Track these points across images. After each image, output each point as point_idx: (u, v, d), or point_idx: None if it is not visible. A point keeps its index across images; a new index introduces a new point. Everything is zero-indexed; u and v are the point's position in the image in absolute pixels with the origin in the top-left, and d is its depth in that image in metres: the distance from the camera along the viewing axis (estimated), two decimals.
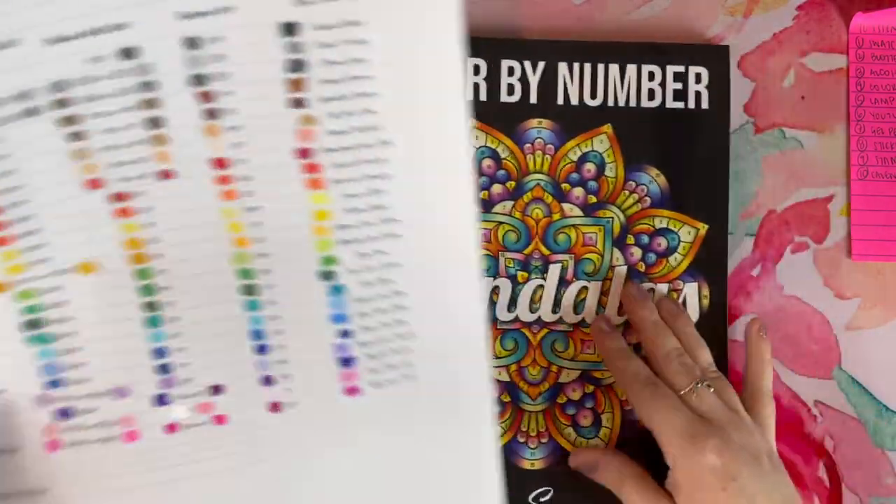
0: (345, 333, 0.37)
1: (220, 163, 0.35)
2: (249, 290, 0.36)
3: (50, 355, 0.36)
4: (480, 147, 0.52)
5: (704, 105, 0.53)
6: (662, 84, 0.53)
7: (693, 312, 0.52)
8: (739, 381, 0.50)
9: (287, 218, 0.36)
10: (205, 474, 0.37)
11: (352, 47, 0.34)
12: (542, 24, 0.55)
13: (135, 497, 0.37)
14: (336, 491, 0.38)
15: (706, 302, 0.52)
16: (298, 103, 0.34)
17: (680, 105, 0.53)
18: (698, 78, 0.53)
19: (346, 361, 0.37)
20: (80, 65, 0.33)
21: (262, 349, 0.37)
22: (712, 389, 0.47)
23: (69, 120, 0.34)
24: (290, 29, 0.33)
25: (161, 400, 0.37)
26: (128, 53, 0.33)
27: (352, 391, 0.38)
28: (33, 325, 0.35)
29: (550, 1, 0.55)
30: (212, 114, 0.34)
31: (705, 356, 0.49)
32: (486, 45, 0.53)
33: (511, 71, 0.53)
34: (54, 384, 0.36)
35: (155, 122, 0.34)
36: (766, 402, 0.49)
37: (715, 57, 0.53)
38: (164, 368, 0.36)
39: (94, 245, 0.35)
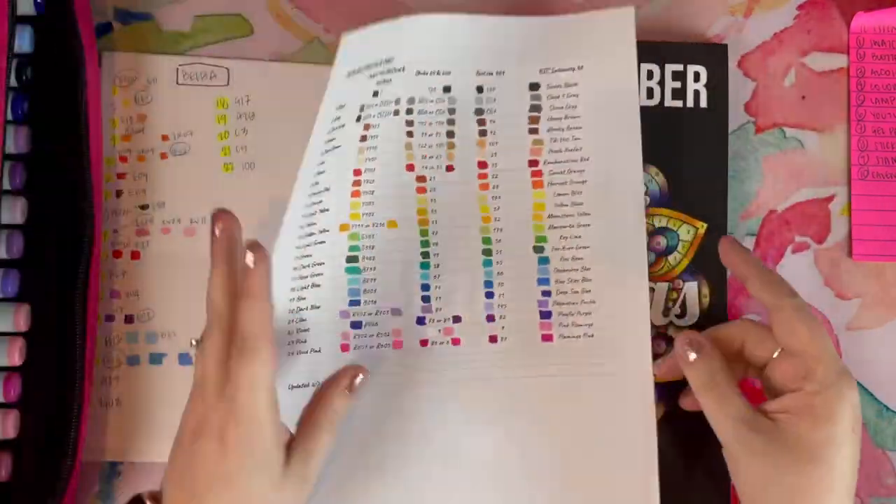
0: (546, 293, 0.51)
1: (482, 164, 0.51)
2: (487, 252, 0.51)
3: (356, 282, 0.50)
4: None
5: (703, 104, 0.53)
6: (661, 83, 0.53)
7: (693, 311, 0.52)
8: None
9: (518, 206, 0.51)
10: (439, 382, 0.50)
11: (568, 99, 0.51)
12: None
13: (387, 391, 0.49)
14: (526, 406, 0.50)
15: (706, 301, 0.52)
16: (534, 131, 0.52)
17: (679, 104, 0.53)
18: (697, 77, 0.53)
19: (545, 314, 0.51)
20: (425, 90, 0.51)
21: (489, 295, 0.51)
22: None
23: (410, 123, 0.51)
24: (534, 86, 0.52)
25: (420, 321, 0.51)
26: (446, 89, 0.51)
27: (547, 338, 0.51)
28: (352, 259, 0.50)
29: (551, 1, 0.55)
30: (482, 133, 0.51)
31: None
32: None
33: None
34: (354, 303, 0.50)
35: (450, 134, 0.51)
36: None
37: (713, 56, 0.54)
38: (425, 299, 0.51)
39: (401, 209, 0.51)
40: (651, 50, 0.53)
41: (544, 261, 0.51)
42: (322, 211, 0.50)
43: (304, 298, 0.50)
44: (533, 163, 0.51)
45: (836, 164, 0.55)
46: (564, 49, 0.51)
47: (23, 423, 0.49)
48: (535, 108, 0.51)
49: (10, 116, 0.49)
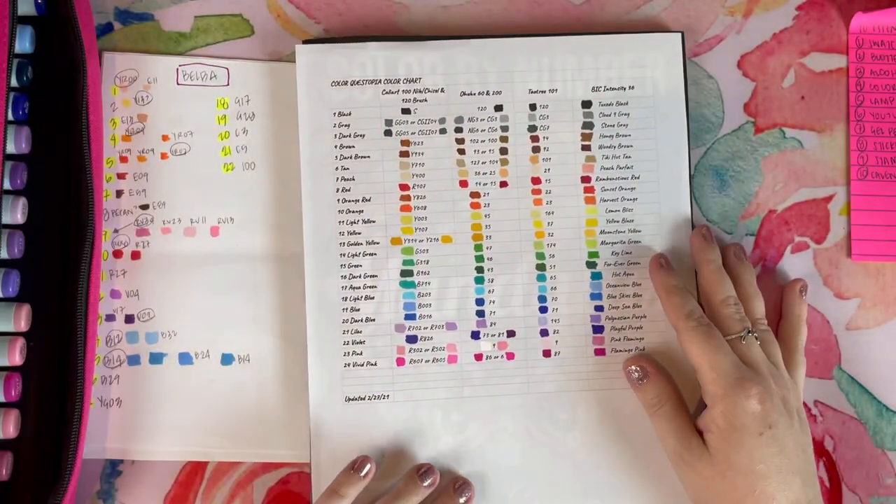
0: (598, 308, 0.53)
1: (536, 180, 0.53)
2: (541, 267, 0.53)
3: (411, 296, 0.52)
4: None
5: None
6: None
7: None
8: None
9: (571, 221, 0.53)
10: (494, 394, 0.52)
11: (620, 118, 0.53)
12: (543, 24, 0.55)
13: (440, 404, 0.51)
14: (577, 421, 0.52)
15: None
16: (586, 148, 0.53)
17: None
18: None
19: (598, 329, 0.52)
20: (474, 109, 0.53)
21: (543, 310, 0.52)
22: (759, 342, 0.49)
23: (460, 140, 0.53)
24: (587, 104, 0.53)
25: (475, 335, 0.52)
26: (498, 108, 0.53)
27: (599, 352, 0.52)
28: (406, 272, 0.52)
29: (550, 1, 0.55)
30: (536, 149, 0.53)
31: (759, 308, 0.51)
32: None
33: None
34: (409, 317, 0.52)
35: (504, 151, 0.53)
36: (799, 360, 0.51)
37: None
38: (480, 313, 0.52)
39: (455, 224, 0.53)
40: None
41: (597, 276, 0.53)
42: (366, 222, 0.52)
43: (357, 310, 0.52)
44: (585, 179, 0.53)
45: (836, 164, 0.55)
46: (615, 68, 0.53)
47: (23, 423, 0.49)
48: (588, 125, 0.53)
49: (10, 116, 0.49)
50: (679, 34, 0.53)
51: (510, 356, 0.52)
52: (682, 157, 0.53)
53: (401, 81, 0.53)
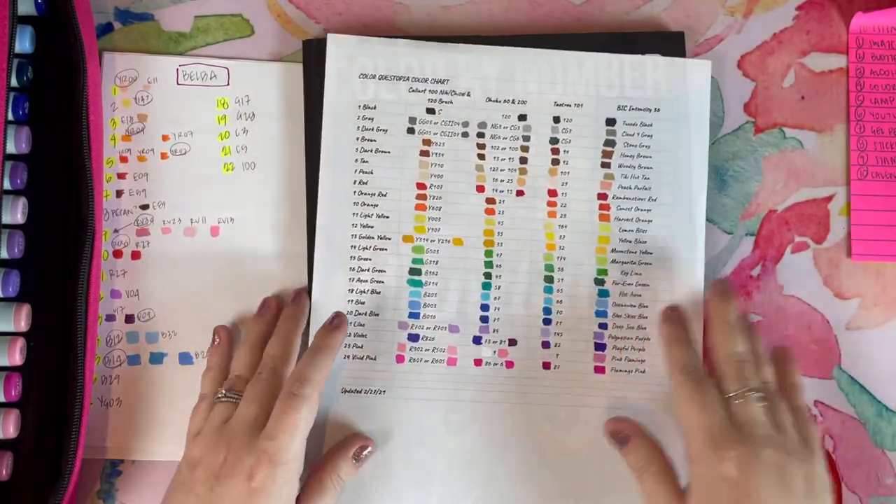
0: (602, 325, 0.52)
1: (552, 192, 0.53)
2: (549, 279, 0.52)
3: (417, 295, 0.52)
4: None
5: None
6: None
7: None
8: None
9: (583, 237, 0.52)
10: (489, 401, 0.51)
11: (643, 138, 0.53)
12: (543, 24, 0.55)
13: (436, 405, 0.51)
14: (570, 436, 0.51)
15: None
16: (606, 165, 0.53)
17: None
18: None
19: (600, 346, 0.52)
20: (498, 116, 0.53)
21: (547, 321, 0.52)
22: (763, 404, 0.45)
23: (481, 145, 0.53)
24: (611, 122, 0.53)
25: (477, 340, 0.52)
26: (522, 118, 0.53)
27: (599, 370, 0.52)
28: (415, 271, 0.52)
29: (550, 1, 0.55)
30: (555, 162, 0.53)
31: (767, 372, 0.48)
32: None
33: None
34: (413, 315, 0.52)
35: (523, 160, 0.53)
36: (810, 421, 0.47)
37: (671, 44, 0.54)
38: (484, 319, 0.52)
39: (468, 227, 0.52)
40: (609, 40, 0.53)
41: (604, 293, 0.52)
42: (380, 216, 0.52)
43: (362, 303, 0.51)
44: (602, 196, 0.53)
45: (836, 164, 0.55)
46: (643, 89, 0.53)
47: (23, 423, 0.49)
48: (610, 142, 0.53)
49: (10, 116, 0.49)
50: (709, 62, 0.53)
51: (510, 364, 0.51)
52: (701, 183, 0.53)
53: (428, 81, 0.53)
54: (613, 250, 0.52)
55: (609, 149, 0.53)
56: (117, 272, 0.53)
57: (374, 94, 0.52)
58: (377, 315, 0.51)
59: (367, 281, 0.51)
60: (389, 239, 0.52)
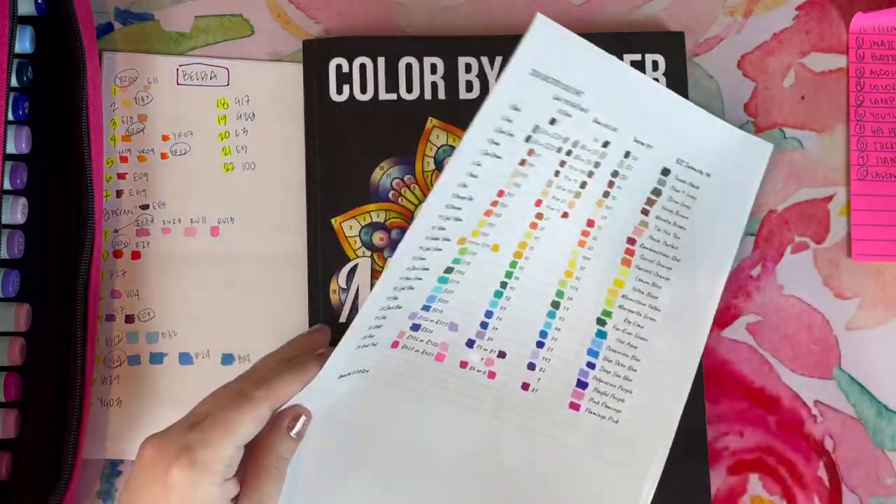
0: (590, 365, 0.51)
1: (590, 222, 0.51)
2: (556, 304, 0.51)
3: (438, 290, 0.50)
4: (442, 146, 0.53)
5: None
6: None
7: None
8: (730, 376, 0.50)
9: (600, 274, 0.52)
10: (461, 405, 0.50)
11: (686, 198, 0.52)
12: None
13: (408, 396, 0.50)
14: (528, 462, 0.50)
15: None
16: (645, 213, 0.52)
17: None
18: (655, 65, 0.53)
19: (582, 384, 0.51)
20: (589, 139, 0.50)
21: (539, 344, 0.51)
22: None
23: (562, 163, 0.50)
24: (665, 172, 0.52)
25: (470, 343, 0.51)
26: (605, 144, 0.50)
27: (574, 406, 0.51)
28: (448, 270, 0.50)
29: (550, 1, 0.55)
30: (606, 194, 0.51)
31: None
32: (443, 43, 0.54)
33: (469, 68, 0.54)
34: (425, 308, 0.50)
35: (583, 185, 0.51)
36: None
37: (671, 44, 0.54)
38: (483, 324, 0.51)
39: (507, 236, 0.50)
40: (609, 40, 0.53)
41: (601, 334, 0.51)
42: (456, 220, 0.48)
43: (396, 298, 0.48)
44: (630, 241, 0.52)
45: (836, 164, 0.55)
46: (704, 150, 0.52)
47: (23, 423, 0.49)
48: (657, 191, 0.52)
49: (10, 116, 0.49)
50: (770, 145, 0.53)
51: (491, 375, 0.51)
52: (728, 258, 0.52)
53: (569, 90, 0.47)
54: (624, 296, 0.51)
55: (654, 197, 0.52)
56: (117, 272, 0.53)
57: (526, 94, 0.46)
58: (400, 308, 0.49)
59: (410, 279, 0.48)
60: (449, 240, 0.49)
